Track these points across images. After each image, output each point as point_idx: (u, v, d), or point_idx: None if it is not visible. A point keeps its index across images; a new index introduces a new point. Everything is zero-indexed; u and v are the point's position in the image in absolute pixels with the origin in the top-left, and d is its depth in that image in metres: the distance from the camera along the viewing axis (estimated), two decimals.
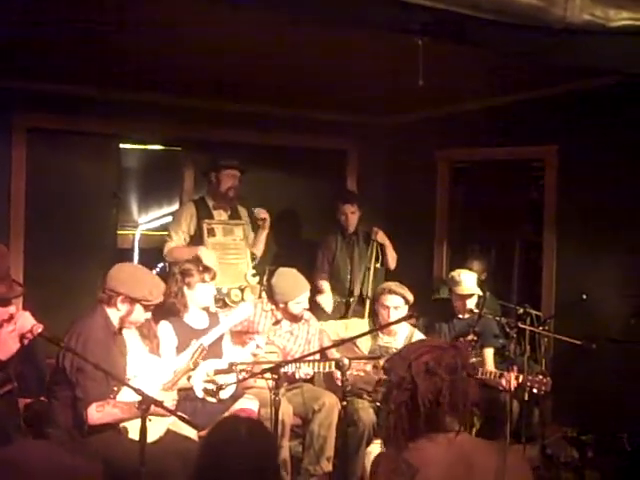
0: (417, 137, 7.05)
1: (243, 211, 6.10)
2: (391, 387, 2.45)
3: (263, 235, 6.11)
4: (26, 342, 3.60)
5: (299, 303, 5.28)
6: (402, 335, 5.41)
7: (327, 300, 6.32)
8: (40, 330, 3.58)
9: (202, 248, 5.59)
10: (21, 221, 6.05)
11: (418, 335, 5.39)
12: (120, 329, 4.34)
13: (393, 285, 5.37)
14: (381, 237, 6.48)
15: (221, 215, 5.96)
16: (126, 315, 4.26)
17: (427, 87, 4.10)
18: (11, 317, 3.57)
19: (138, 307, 4.27)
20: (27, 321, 3.60)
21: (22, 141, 6.11)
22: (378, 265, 6.53)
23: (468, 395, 2.38)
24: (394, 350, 5.35)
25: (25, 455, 3.51)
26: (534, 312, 5.91)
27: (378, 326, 5.31)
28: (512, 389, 4.93)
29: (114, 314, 4.26)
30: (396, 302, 5.26)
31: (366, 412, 5.05)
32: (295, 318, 5.35)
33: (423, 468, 2.30)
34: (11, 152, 6.05)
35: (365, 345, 5.36)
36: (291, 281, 5.33)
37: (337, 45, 4.63)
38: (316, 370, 5.02)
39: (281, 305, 5.29)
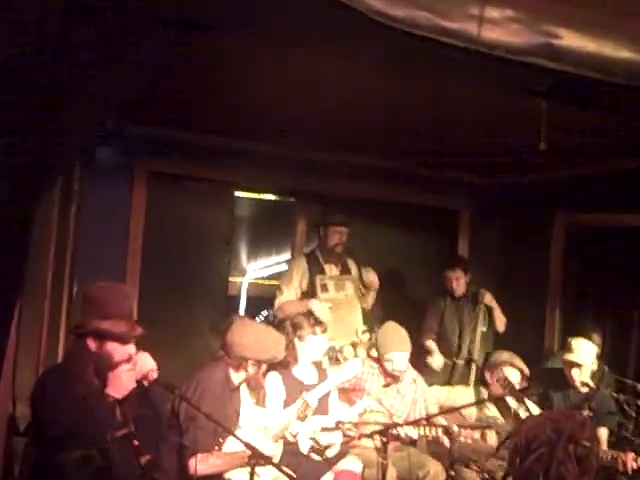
0: (533, 200, 6.91)
1: (353, 265, 6.07)
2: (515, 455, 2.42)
3: (371, 295, 6.07)
4: (146, 384, 3.63)
5: (389, 361, 5.17)
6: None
7: (436, 359, 6.21)
8: (155, 376, 3.61)
9: (313, 301, 5.58)
10: (138, 262, 6.16)
11: (529, 405, 5.20)
12: (239, 385, 4.36)
13: (513, 358, 5.20)
14: (488, 299, 6.34)
15: (332, 270, 5.97)
16: (253, 375, 4.30)
17: (547, 150, 4.03)
18: (130, 357, 3.61)
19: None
20: (147, 362, 3.64)
21: (143, 184, 6.26)
22: (484, 329, 6.38)
23: (572, 471, 2.32)
24: (502, 422, 5.19)
25: None
26: None
27: (490, 397, 5.16)
28: (629, 472, 4.69)
29: (237, 374, 4.29)
30: (513, 376, 5.11)
31: None
32: (392, 377, 5.23)
33: None
34: (132, 194, 6.20)
35: (470, 414, 5.21)
36: (389, 335, 5.25)
37: (458, 103, 4.61)
38: (421, 434, 4.90)
39: (379, 359, 5.20)
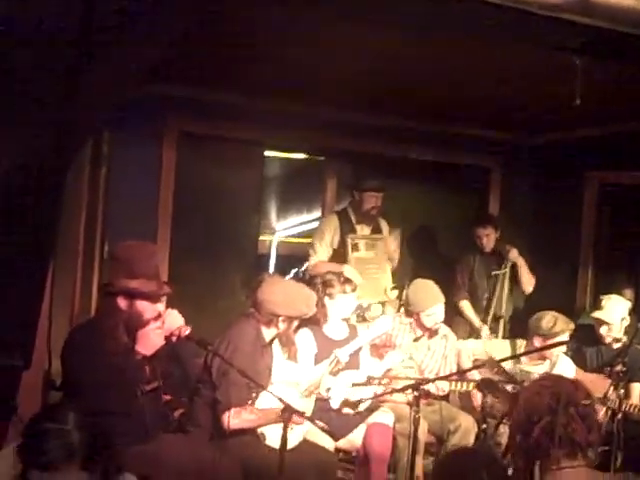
0: (565, 157, 6.83)
1: (385, 225, 6.07)
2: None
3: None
4: (173, 340, 3.69)
5: (430, 315, 5.19)
6: (547, 362, 5.24)
7: (474, 320, 6.26)
8: (188, 332, 3.67)
9: (346, 266, 5.60)
10: (168, 222, 6.18)
11: (563, 360, 5.22)
12: (271, 341, 4.40)
13: (566, 323, 5.19)
14: (514, 255, 6.31)
15: (363, 229, 5.98)
16: (284, 331, 4.34)
17: (580, 107, 3.98)
18: (159, 315, 3.67)
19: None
20: (175, 320, 3.70)
21: (172, 144, 6.25)
22: (510, 285, 6.36)
23: (580, 430, 2.36)
24: (536, 376, 5.19)
25: (170, 451, 3.63)
26: None
27: (528, 350, 5.16)
28: None
29: (268, 330, 4.33)
30: (564, 337, 5.11)
31: (506, 437, 4.91)
32: (430, 331, 5.26)
33: None
34: (162, 154, 6.21)
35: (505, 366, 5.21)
36: (424, 291, 5.26)
37: (492, 61, 4.56)
38: (452, 388, 4.93)
39: (415, 317, 5.23)
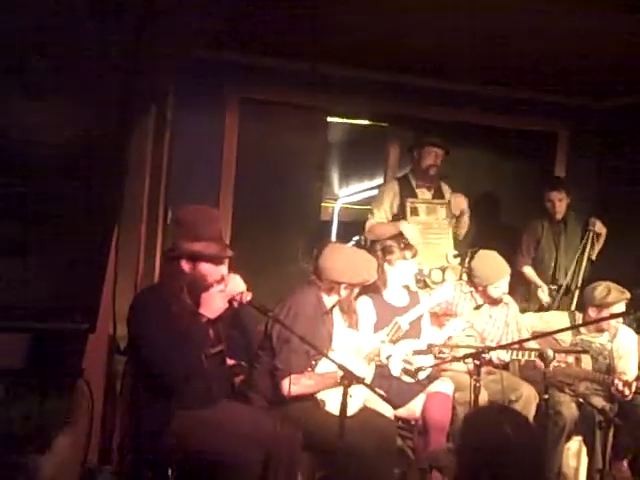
0: (633, 122, 6.65)
1: (447, 190, 5.99)
2: None
3: (463, 221, 5.96)
4: (235, 305, 3.71)
5: (498, 287, 5.14)
6: (606, 333, 5.17)
7: (540, 288, 6.17)
8: (249, 298, 3.69)
9: (404, 222, 5.55)
10: (231, 188, 6.22)
11: (624, 331, 5.13)
12: (332, 308, 4.41)
13: (620, 292, 5.08)
14: (599, 227, 6.17)
15: (424, 194, 5.89)
16: (346, 299, 4.35)
17: None
18: (222, 278, 3.69)
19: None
20: (237, 285, 3.72)
21: (235, 110, 6.27)
22: (592, 257, 6.23)
23: None
24: (598, 345, 5.12)
25: (231, 417, 3.67)
26: None
27: (586, 321, 5.09)
28: None
29: (329, 297, 4.34)
30: (619, 308, 5.02)
31: (567, 406, 4.86)
32: (495, 301, 5.21)
33: None
34: (224, 120, 6.23)
35: (564, 338, 5.14)
36: (492, 264, 5.18)
37: (556, 25, 4.45)
38: (514, 357, 4.89)
39: (480, 288, 5.18)
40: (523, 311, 5.66)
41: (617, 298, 5.02)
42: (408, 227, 5.50)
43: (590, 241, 6.19)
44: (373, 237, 5.65)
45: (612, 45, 4.84)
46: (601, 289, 5.08)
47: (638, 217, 6.65)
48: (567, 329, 4.64)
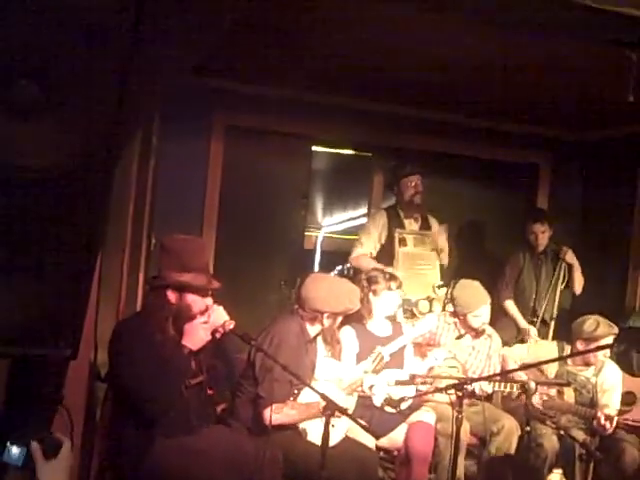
0: (615, 154, 6.72)
1: (434, 222, 6.02)
2: None
3: (444, 253, 5.99)
4: (218, 336, 3.69)
5: (477, 316, 5.15)
6: (592, 367, 5.16)
7: (520, 321, 6.16)
8: (232, 327, 3.67)
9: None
10: (214, 215, 6.22)
11: (609, 366, 5.13)
12: (315, 337, 4.40)
13: (609, 326, 5.08)
14: (570, 257, 6.20)
15: (412, 225, 5.92)
16: (329, 328, 4.35)
17: (632, 103, 3.89)
18: (207, 309, 3.68)
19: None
20: (221, 316, 3.70)
21: (220, 137, 6.29)
22: (562, 287, 6.26)
23: None
24: (583, 378, 5.12)
25: (212, 443, 3.64)
26: None
27: (572, 353, 5.09)
28: None
29: (313, 327, 4.33)
30: (607, 341, 5.02)
31: (549, 439, 4.84)
32: (476, 332, 5.21)
33: None
34: (209, 147, 6.25)
35: (550, 369, 5.14)
36: (472, 292, 5.20)
37: (540, 55, 4.50)
38: (496, 389, 4.88)
39: (461, 317, 5.18)
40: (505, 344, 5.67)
41: (605, 332, 5.01)
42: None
43: (563, 271, 6.20)
44: (356, 265, 5.67)
45: (594, 78, 4.90)
46: (590, 322, 5.07)
47: (619, 249, 6.71)
48: (553, 360, 4.63)
